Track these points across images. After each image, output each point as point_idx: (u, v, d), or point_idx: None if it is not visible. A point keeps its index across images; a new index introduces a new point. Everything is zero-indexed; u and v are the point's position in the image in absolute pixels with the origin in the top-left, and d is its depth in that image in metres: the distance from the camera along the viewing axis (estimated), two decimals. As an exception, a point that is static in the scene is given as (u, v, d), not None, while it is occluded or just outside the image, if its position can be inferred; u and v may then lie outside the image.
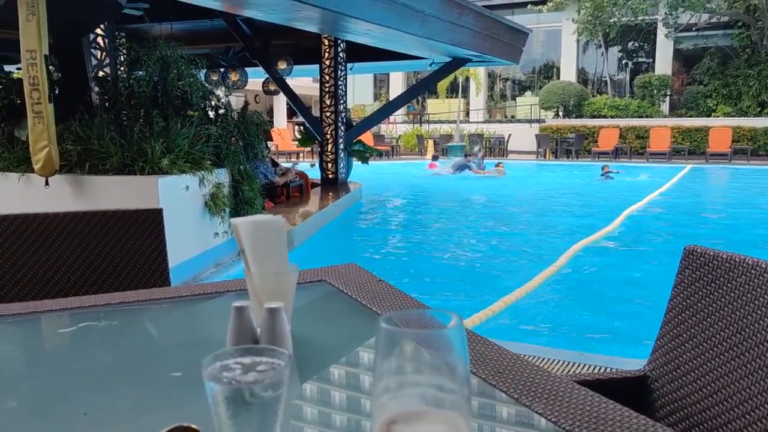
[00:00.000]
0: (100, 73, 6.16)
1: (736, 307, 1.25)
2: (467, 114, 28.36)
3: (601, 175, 14.59)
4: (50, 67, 4.87)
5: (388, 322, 0.59)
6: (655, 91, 22.79)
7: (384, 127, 25.62)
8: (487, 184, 14.15)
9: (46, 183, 5.02)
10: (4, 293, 1.79)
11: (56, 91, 5.05)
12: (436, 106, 29.20)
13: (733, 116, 20.52)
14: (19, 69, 5.15)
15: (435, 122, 27.54)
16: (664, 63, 23.98)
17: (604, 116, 22.31)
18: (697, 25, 21.83)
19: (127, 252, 1.90)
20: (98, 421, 0.92)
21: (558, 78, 26.45)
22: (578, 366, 3.24)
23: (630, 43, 26.08)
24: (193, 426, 0.71)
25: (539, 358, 3.30)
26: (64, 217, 1.87)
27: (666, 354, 1.37)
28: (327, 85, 11.13)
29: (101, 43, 6.21)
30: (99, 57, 6.16)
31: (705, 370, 1.27)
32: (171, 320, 1.46)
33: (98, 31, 6.13)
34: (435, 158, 18.22)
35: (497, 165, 15.80)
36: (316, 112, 12.14)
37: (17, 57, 4.82)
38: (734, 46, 21.81)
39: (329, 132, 11.21)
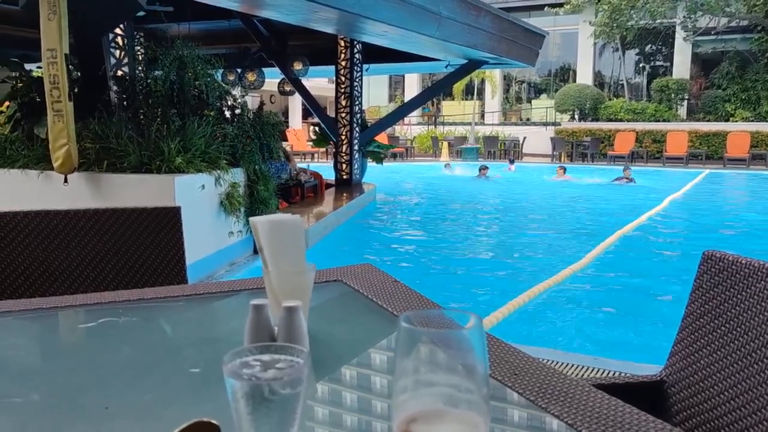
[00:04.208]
0: (119, 72, 6.21)
1: (754, 313, 1.24)
2: (482, 116, 28.27)
3: (617, 179, 14.40)
4: (70, 66, 4.92)
5: (408, 321, 0.59)
6: (672, 95, 22.55)
7: (399, 129, 25.61)
8: (509, 188, 14.10)
9: (65, 180, 5.08)
10: (25, 288, 1.82)
11: (76, 90, 5.10)
12: (451, 108, 29.14)
13: (752, 121, 20.29)
14: (39, 67, 5.21)
15: (450, 124, 27.47)
16: (682, 67, 23.73)
17: (621, 120, 22.10)
18: (716, 28, 21.57)
19: (146, 249, 1.92)
20: (119, 415, 0.93)
21: (574, 81, 26.26)
22: (594, 370, 3.22)
23: (647, 47, 25.81)
24: (213, 421, 0.71)
25: (554, 362, 3.28)
26: (84, 214, 1.89)
27: (683, 359, 1.37)
28: (342, 86, 11.15)
29: (120, 43, 6.27)
30: (118, 56, 6.21)
31: (722, 375, 1.26)
32: (189, 317, 1.47)
33: (117, 30, 6.18)
34: (512, 161, 18.47)
35: (625, 169, 14.92)
36: (331, 113, 12.16)
37: (38, 55, 4.87)
38: (753, 50, 21.54)
39: (344, 133, 11.22)
